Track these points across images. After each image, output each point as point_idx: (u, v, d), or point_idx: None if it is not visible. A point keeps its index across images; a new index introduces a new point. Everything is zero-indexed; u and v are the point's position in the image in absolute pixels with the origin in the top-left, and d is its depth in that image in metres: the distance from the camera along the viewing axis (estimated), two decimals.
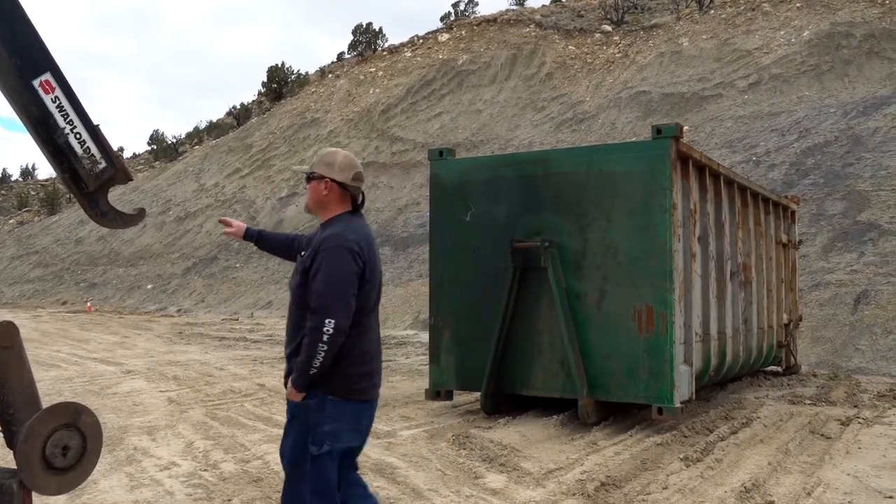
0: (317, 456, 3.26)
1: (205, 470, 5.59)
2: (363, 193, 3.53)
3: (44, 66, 2.77)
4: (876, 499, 4.98)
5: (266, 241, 3.96)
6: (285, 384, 3.40)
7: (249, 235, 3.92)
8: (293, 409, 3.35)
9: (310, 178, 3.43)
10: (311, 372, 3.19)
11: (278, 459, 5.76)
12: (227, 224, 3.98)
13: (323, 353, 3.15)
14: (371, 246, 3.37)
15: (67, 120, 2.80)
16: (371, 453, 6.01)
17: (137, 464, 5.77)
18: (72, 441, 2.71)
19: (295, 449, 3.34)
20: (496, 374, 7.38)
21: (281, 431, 6.95)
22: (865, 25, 24.42)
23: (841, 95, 22.22)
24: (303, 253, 3.44)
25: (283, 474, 5.37)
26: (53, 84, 2.79)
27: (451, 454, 5.99)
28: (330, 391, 3.25)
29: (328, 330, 3.14)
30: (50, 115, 2.77)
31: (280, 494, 4.94)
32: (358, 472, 3.63)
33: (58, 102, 2.79)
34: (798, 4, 27.74)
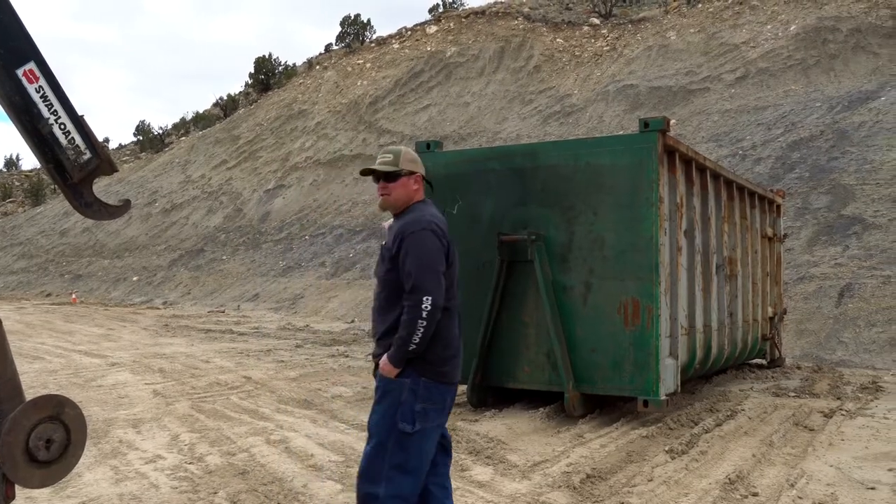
0: (406, 433, 3.37)
1: (190, 463, 5.57)
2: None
3: (28, 55, 2.75)
4: (858, 490, 5.02)
5: None
6: (375, 364, 3.53)
7: None
8: (386, 385, 3.43)
9: (397, 175, 3.55)
10: (410, 348, 3.33)
11: (264, 452, 5.79)
12: None
13: (422, 330, 3.31)
14: (446, 228, 3.58)
15: (52, 110, 2.78)
16: (357, 446, 6.01)
17: (122, 457, 5.74)
18: (55, 434, 2.70)
19: (382, 424, 3.42)
20: (482, 367, 7.39)
21: (266, 424, 6.97)
22: (851, 20, 24.55)
23: (827, 90, 22.34)
24: (382, 242, 3.63)
25: (270, 466, 5.39)
26: (37, 73, 2.76)
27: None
28: (423, 373, 3.40)
29: (426, 307, 3.30)
30: (34, 104, 2.75)
31: (266, 487, 4.95)
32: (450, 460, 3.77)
33: (42, 92, 2.76)
34: None
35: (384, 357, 3.42)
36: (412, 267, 3.35)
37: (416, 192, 3.60)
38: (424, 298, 3.31)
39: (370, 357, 3.65)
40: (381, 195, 3.60)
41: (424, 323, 3.30)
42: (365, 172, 3.66)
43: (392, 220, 4.29)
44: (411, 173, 3.58)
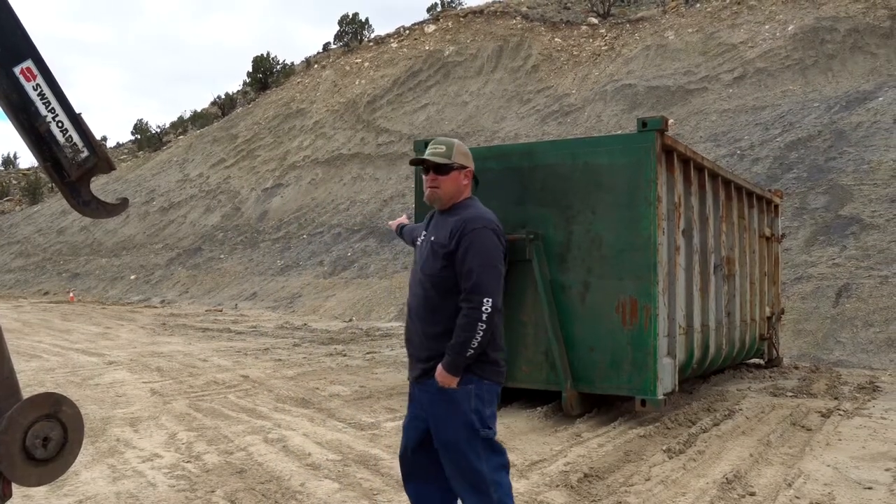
0: (490, 438, 3.28)
1: (188, 461, 5.57)
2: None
3: (25, 53, 2.74)
4: (855, 490, 5.03)
5: (404, 235, 4.18)
6: (422, 370, 3.35)
7: (399, 231, 4.25)
8: (450, 396, 3.23)
9: (449, 168, 3.37)
10: (468, 353, 3.16)
11: (262, 451, 5.78)
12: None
13: (481, 334, 3.14)
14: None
15: (49, 108, 2.77)
16: (355, 445, 6.01)
17: (120, 455, 5.74)
18: (52, 432, 2.69)
19: (459, 437, 3.25)
20: None
21: (264, 423, 6.93)
22: (849, 20, 24.57)
23: (824, 90, 22.36)
24: (430, 238, 3.42)
25: (268, 465, 5.39)
26: (35, 72, 2.75)
27: None
28: (484, 375, 3.26)
29: (486, 309, 3.14)
30: (31, 102, 2.74)
31: (264, 486, 4.95)
32: None
33: (39, 90, 2.75)
34: None
35: (439, 367, 3.22)
36: (474, 265, 3.18)
37: (466, 187, 3.43)
38: (485, 300, 3.14)
39: (418, 366, 3.40)
40: (430, 188, 3.40)
41: (484, 326, 3.13)
42: (415, 162, 3.47)
43: (401, 218, 4.20)
44: (462, 167, 3.40)
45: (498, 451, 3.31)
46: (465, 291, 3.18)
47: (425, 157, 3.40)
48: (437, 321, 3.29)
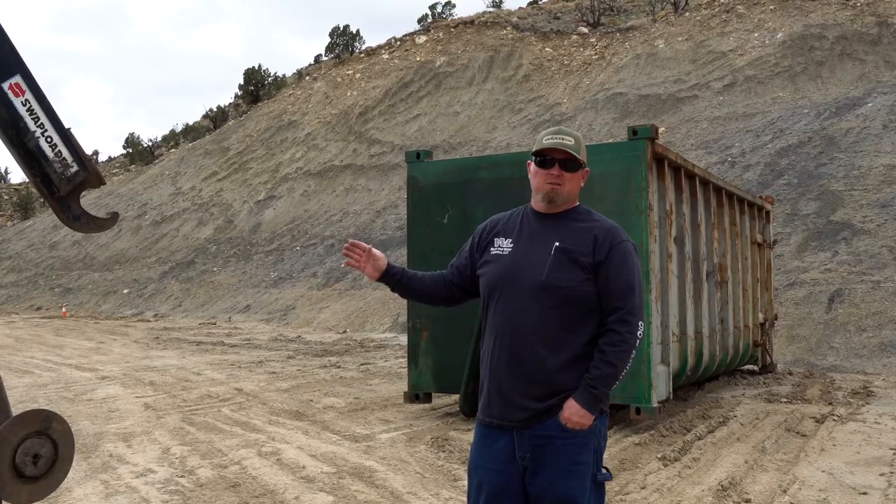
0: (603, 483, 2.73)
1: (181, 476, 5.54)
2: None
3: (13, 68, 2.73)
4: (850, 495, 5.03)
5: (408, 287, 3.08)
6: (537, 412, 2.63)
7: (389, 276, 3.01)
8: (581, 439, 2.63)
9: (578, 165, 2.74)
10: (613, 386, 2.65)
11: (256, 464, 5.75)
12: (358, 250, 2.99)
13: (629, 363, 2.64)
14: None
15: (38, 123, 2.76)
16: (349, 457, 5.99)
17: (113, 471, 5.70)
18: (42, 449, 2.68)
19: (585, 485, 2.64)
20: (474, 376, 7.36)
21: (258, 436, 6.91)
22: (837, 27, 24.75)
23: (814, 96, 22.49)
24: (553, 243, 2.69)
25: (262, 479, 5.36)
26: (24, 87, 2.75)
27: (429, 457, 5.98)
28: (606, 408, 2.72)
29: (640, 335, 2.66)
30: (20, 118, 2.73)
31: (258, 499, 4.92)
32: None
33: (28, 105, 2.75)
34: (771, 7, 28.04)
35: (572, 404, 2.59)
36: (635, 283, 2.67)
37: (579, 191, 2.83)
38: (640, 324, 2.65)
39: (530, 406, 2.64)
40: (552, 184, 2.71)
41: (634, 354, 2.64)
42: (546, 152, 2.71)
43: (373, 248, 3.04)
44: (585, 167, 2.81)
45: (603, 498, 2.75)
46: (621, 311, 2.63)
47: (557, 146, 2.70)
48: (568, 346, 2.64)
